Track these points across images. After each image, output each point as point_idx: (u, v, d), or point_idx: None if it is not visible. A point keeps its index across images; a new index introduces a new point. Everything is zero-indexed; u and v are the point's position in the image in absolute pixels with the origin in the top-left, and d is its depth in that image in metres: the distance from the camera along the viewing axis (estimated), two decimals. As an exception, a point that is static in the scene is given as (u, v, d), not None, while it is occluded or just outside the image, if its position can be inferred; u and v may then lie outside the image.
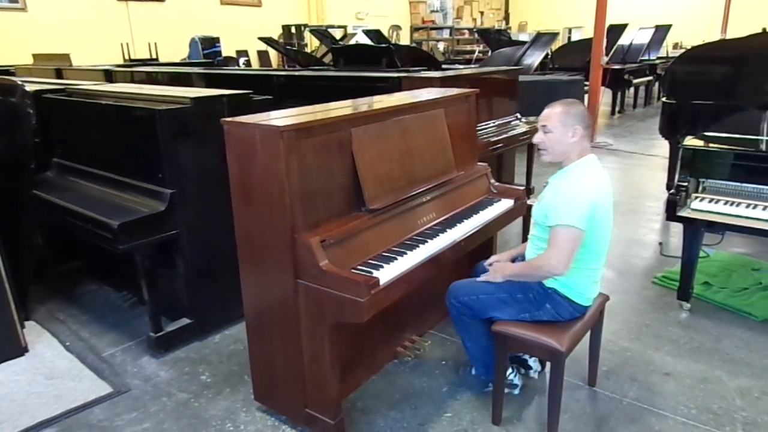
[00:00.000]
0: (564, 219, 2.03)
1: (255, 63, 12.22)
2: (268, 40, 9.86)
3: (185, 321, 3.02)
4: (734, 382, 2.56)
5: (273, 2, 12.48)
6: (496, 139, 4.39)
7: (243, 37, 11.68)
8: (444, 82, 3.81)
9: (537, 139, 2.19)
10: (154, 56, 9.83)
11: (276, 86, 4.56)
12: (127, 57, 9.55)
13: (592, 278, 2.21)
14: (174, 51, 10.24)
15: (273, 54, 12.34)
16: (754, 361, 2.70)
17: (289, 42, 11.87)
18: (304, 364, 2.18)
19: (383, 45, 5.85)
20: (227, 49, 11.16)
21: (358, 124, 2.24)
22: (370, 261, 2.14)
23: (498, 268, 2.29)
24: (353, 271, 2.05)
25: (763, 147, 3.08)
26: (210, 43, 10.80)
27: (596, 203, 2.07)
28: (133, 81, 5.57)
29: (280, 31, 12.13)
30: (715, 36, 12.35)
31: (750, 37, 4.60)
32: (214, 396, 2.56)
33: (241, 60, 11.82)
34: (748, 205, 2.78)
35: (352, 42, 10.14)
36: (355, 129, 2.22)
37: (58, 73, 6.25)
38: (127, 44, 9.66)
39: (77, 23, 9.12)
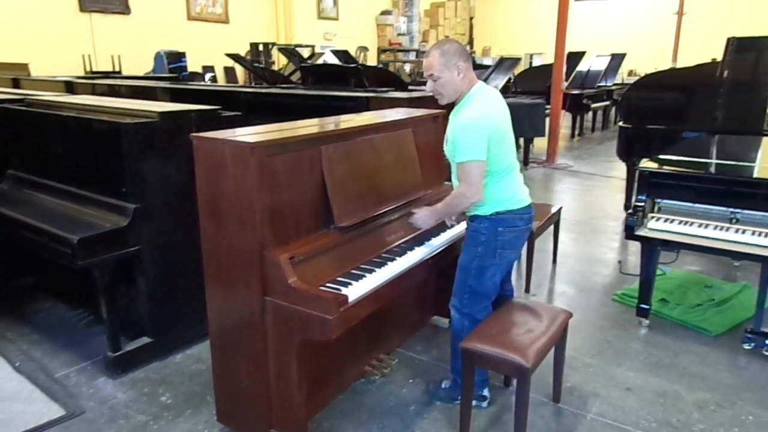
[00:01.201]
0: (466, 155, 2.18)
1: (221, 79, 12.13)
2: (235, 57, 9.82)
3: (145, 340, 2.93)
4: (691, 395, 2.64)
5: (241, 19, 12.46)
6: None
7: (210, 52, 11.59)
8: (412, 103, 3.86)
9: (429, 87, 2.31)
10: (117, 69, 9.66)
11: (243, 103, 4.54)
12: (88, 69, 9.35)
13: (515, 183, 2.37)
14: (138, 64, 10.08)
15: (240, 71, 12.28)
16: (709, 375, 2.80)
17: (256, 59, 11.84)
18: (270, 383, 2.15)
19: (352, 65, 5.91)
20: (193, 65, 11.05)
21: (328, 142, 2.26)
22: (339, 278, 2.14)
23: (419, 213, 2.44)
24: (322, 288, 2.04)
25: (712, 170, 3.22)
26: (176, 58, 10.68)
27: (491, 128, 2.21)
28: (94, 93, 5.46)
29: (248, 48, 12.09)
30: (666, 64, 12.92)
31: (699, 66, 4.84)
32: (174, 418, 2.49)
33: (207, 76, 11.72)
34: (700, 225, 2.90)
35: (320, 61, 10.19)
36: (325, 147, 2.23)
37: (15, 83, 6.07)
38: (89, 56, 9.47)
39: (37, 33, 8.89)
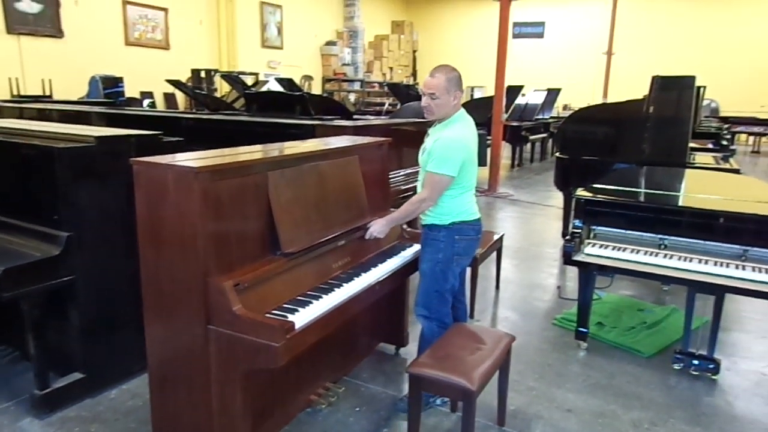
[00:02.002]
0: (441, 168, 2.45)
1: (161, 105, 11.88)
2: (176, 83, 9.64)
3: (77, 376, 2.76)
4: (627, 415, 2.73)
5: (182, 46, 12.31)
6: (405, 187, 4.52)
7: (148, 78, 11.36)
8: (357, 131, 3.91)
9: (425, 103, 2.55)
10: (47, 93, 9.29)
11: (185, 129, 4.46)
12: (15, 93, 8.95)
13: (472, 199, 2.69)
14: (71, 89, 9.74)
15: (180, 97, 12.07)
16: (644, 395, 2.91)
17: (198, 86, 11.68)
18: (212, 417, 2.08)
19: (297, 93, 5.93)
20: (131, 90, 10.78)
21: (275, 168, 2.25)
22: (285, 305, 2.12)
23: (374, 224, 2.65)
24: (268, 315, 2.01)
25: (642, 198, 3.41)
26: (112, 83, 10.38)
27: (467, 150, 2.53)
28: (22, 117, 5.22)
29: (189, 74, 11.93)
30: (597, 99, 13.67)
31: (628, 102, 5.15)
32: (109, 456, 2.36)
33: (146, 101, 11.44)
34: (632, 250, 3.05)
35: (264, 89, 10.17)
36: (272, 172, 2.22)
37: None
38: (17, 79, 9.08)
39: (-42, 55, 8.48)
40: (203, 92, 10.92)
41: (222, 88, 12.59)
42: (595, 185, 3.53)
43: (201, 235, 1.94)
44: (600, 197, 3.27)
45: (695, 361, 3.07)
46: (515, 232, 6.35)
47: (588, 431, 2.60)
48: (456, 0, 19.14)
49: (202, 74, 12.12)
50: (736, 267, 2.80)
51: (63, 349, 2.77)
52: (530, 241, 5.94)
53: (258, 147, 2.62)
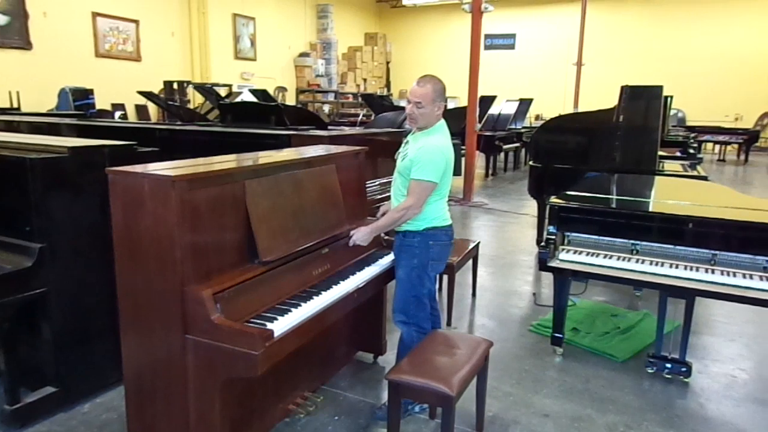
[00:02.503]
0: (425, 174, 2.51)
1: (132, 117, 11.75)
2: (148, 95, 9.55)
3: (49, 390, 2.70)
4: (602, 419, 2.78)
5: (154, 57, 12.21)
6: (381, 197, 4.54)
7: (120, 90, 11.24)
8: (333, 141, 3.92)
9: (409, 111, 2.60)
10: (15, 105, 9.10)
11: (159, 140, 4.41)
12: (-19, 106, 8.75)
13: (445, 206, 2.75)
14: (39, 101, 9.57)
15: (153, 109, 11.96)
16: (618, 398, 2.96)
17: (170, 98, 11.58)
18: (190, 427, 2.05)
19: (272, 103, 5.92)
20: (102, 102, 10.64)
21: (252, 177, 2.25)
22: (264, 313, 2.11)
23: (358, 231, 2.67)
24: (246, 323, 2.00)
25: (614, 205, 3.49)
26: (82, 95, 10.22)
27: (448, 157, 2.61)
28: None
29: (162, 86, 11.82)
30: (568, 109, 13.96)
31: (599, 111, 5.27)
32: (82, 473, 2.30)
33: (117, 113, 11.29)
34: (605, 256, 3.12)
35: (238, 100, 10.13)
36: (249, 181, 2.22)
37: None
38: (-17, 92, 8.90)
39: None
40: (176, 104, 10.83)
41: (195, 99, 12.50)
42: (568, 192, 3.60)
43: (178, 244, 1.93)
44: (574, 204, 3.34)
45: (668, 365, 3.14)
46: (490, 240, 6.41)
47: (565, 435, 2.63)
48: (428, 12, 19.40)
49: (175, 86, 12.03)
50: (706, 271, 2.88)
51: (34, 362, 2.70)
52: (505, 249, 6.01)
53: (234, 156, 2.61)
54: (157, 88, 11.38)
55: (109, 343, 2.87)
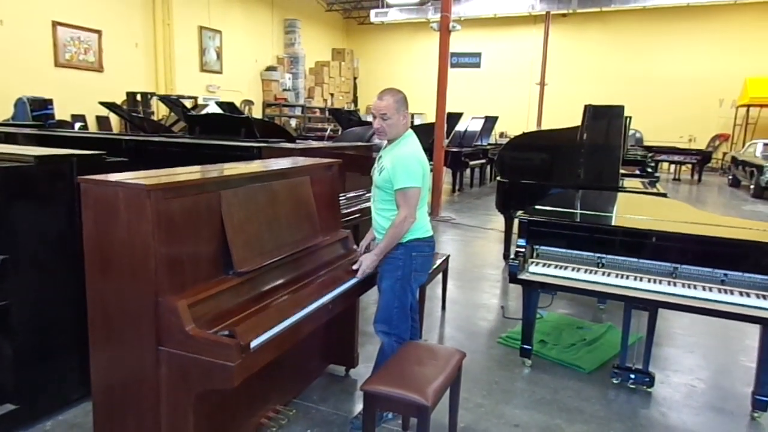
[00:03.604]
0: (408, 182, 2.57)
1: (93, 128, 11.48)
2: (110, 106, 9.35)
3: (8, 407, 2.58)
4: (571, 428, 2.83)
5: (117, 68, 11.99)
6: (351, 209, 4.56)
7: (80, 101, 10.98)
8: (304, 153, 3.93)
9: (377, 125, 2.64)
10: (-34, 115, 8.79)
11: (126, 151, 4.33)
12: (-71, 114, 8.42)
13: (425, 216, 2.78)
14: (-7, 111, 9.28)
15: (115, 120, 11.72)
16: (586, 408, 3.03)
17: (134, 109, 11.37)
18: (161, 442, 2.00)
19: (242, 115, 5.88)
20: (61, 113, 10.35)
21: (227, 187, 2.24)
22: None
23: (363, 261, 2.72)
24: (222, 335, 1.98)
25: (580, 219, 3.59)
26: (41, 105, 9.90)
27: (424, 164, 2.67)
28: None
29: (125, 97, 11.60)
30: (532, 127, 14.32)
31: (564, 129, 5.43)
32: (44, 493, 2.22)
33: (77, 125, 11.01)
34: (573, 269, 3.20)
35: (203, 113, 10.02)
36: (225, 192, 2.21)
37: None
38: (-68, 101, 8.56)
39: None
40: (140, 115, 10.64)
41: (159, 111, 12.31)
42: (537, 207, 3.68)
43: (153, 254, 1.90)
44: (543, 218, 3.42)
45: (632, 375, 3.23)
46: (458, 254, 6.48)
47: (536, 445, 2.67)
48: (395, 29, 19.68)
49: (138, 97, 11.83)
50: (668, 283, 2.99)
51: (-7, 379, 2.59)
52: (473, 263, 6.08)
53: (208, 166, 2.59)
54: (119, 99, 11.15)
55: (72, 359, 2.79)
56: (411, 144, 2.68)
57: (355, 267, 2.73)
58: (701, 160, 14.92)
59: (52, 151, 2.84)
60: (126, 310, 1.98)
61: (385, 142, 2.74)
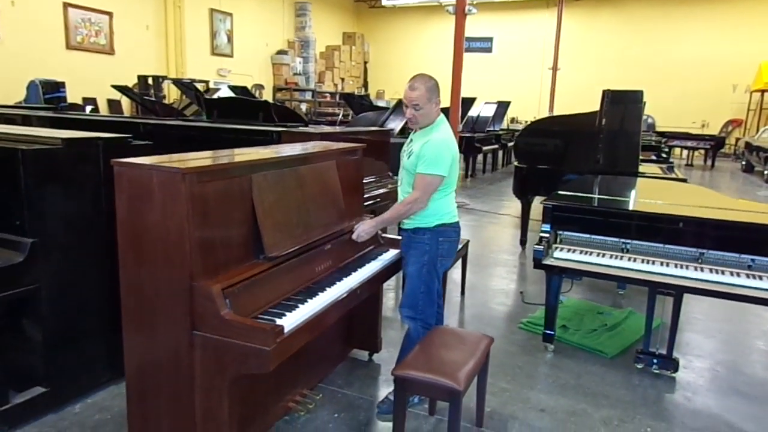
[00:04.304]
0: (432, 168, 2.53)
1: (104, 111, 11.48)
2: (123, 89, 9.34)
3: (38, 390, 2.60)
4: (597, 413, 2.83)
5: (128, 51, 11.94)
6: (368, 195, 4.54)
7: (91, 84, 10.97)
8: (324, 138, 3.91)
9: (409, 114, 2.61)
10: (-21, 98, 8.80)
11: (143, 135, 4.32)
12: (-58, 97, 8.44)
13: (453, 201, 2.77)
14: (6, 94, 9.27)
15: (126, 104, 11.70)
16: (611, 393, 3.02)
17: (145, 92, 11.34)
18: (196, 425, 2.02)
19: (260, 99, 5.85)
20: (72, 96, 10.34)
21: (258, 171, 2.23)
22: (271, 309, 2.09)
23: (361, 226, 2.68)
24: (255, 320, 1.98)
25: (605, 205, 3.55)
26: (53, 88, 9.92)
27: (455, 151, 2.65)
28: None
29: (136, 80, 11.57)
30: (543, 113, 14.18)
31: (583, 114, 5.37)
32: (78, 474, 2.24)
33: (88, 108, 11.00)
34: (598, 254, 3.18)
35: (215, 97, 9.99)
36: (256, 175, 2.20)
37: None
38: (-55, 83, 8.58)
39: None
40: (151, 99, 10.62)
41: (170, 95, 12.28)
42: (560, 192, 3.65)
43: (187, 238, 1.89)
44: (568, 203, 3.39)
45: (656, 360, 3.22)
46: (473, 240, 6.42)
47: (562, 429, 2.67)
48: (407, 13, 19.47)
49: (150, 81, 11.79)
50: (695, 269, 2.97)
51: (23, 362, 2.62)
52: (489, 248, 6.06)
53: (234, 151, 2.58)
54: (130, 82, 11.13)
55: (100, 342, 2.81)
56: (443, 130, 2.65)
57: (354, 234, 2.69)
58: (714, 145, 14.77)
59: (79, 133, 2.83)
60: (160, 294, 1.98)
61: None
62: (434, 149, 2.55)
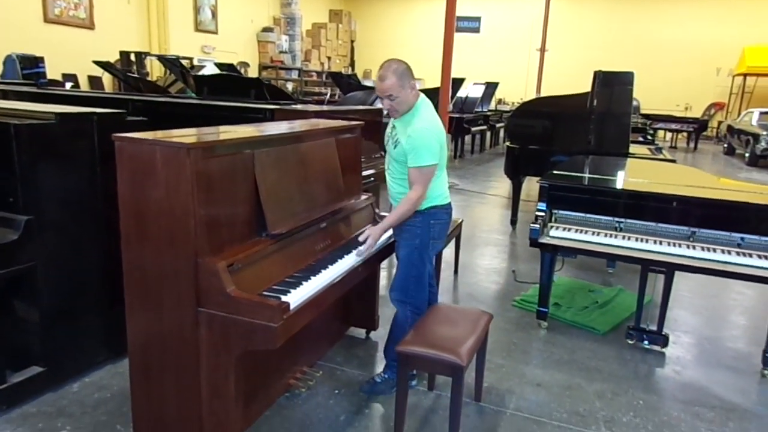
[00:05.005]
0: (424, 161, 2.45)
1: (85, 88, 11.21)
2: (105, 65, 9.14)
3: (36, 369, 2.58)
4: (591, 387, 2.89)
5: (108, 26, 11.62)
6: (365, 173, 4.53)
7: (71, 59, 10.68)
8: (318, 116, 3.88)
9: (386, 106, 2.52)
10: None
11: (133, 113, 4.23)
12: None
13: (445, 181, 2.70)
14: (-20, 68, 9.01)
15: (107, 80, 11.44)
16: (603, 368, 3.09)
17: (128, 69, 11.10)
18: (202, 402, 2.02)
19: (252, 77, 5.77)
20: (51, 72, 10.08)
21: (261, 147, 2.20)
22: (275, 286, 2.09)
23: (370, 234, 2.56)
24: (261, 296, 1.98)
25: (600, 184, 3.59)
26: (31, 63, 9.64)
27: (441, 133, 2.55)
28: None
29: (117, 56, 11.30)
30: (531, 95, 14.18)
31: (575, 95, 5.39)
32: (81, 451, 2.24)
33: (68, 84, 10.74)
34: (593, 233, 3.22)
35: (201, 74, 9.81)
36: (258, 152, 2.18)
37: None
38: None
39: None
40: (135, 76, 10.41)
41: (153, 72, 12.05)
42: (555, 172, 3.68)
43: (192, 215, 1.87)
44: (564, 183, 3.42)
45: (646, 336, 3.29)
46: (465, 220, 6.48)
47: (558, 403, 2.73)
48: (393, -9, 19.24)
49: (132, 57, 11.53)
50: (687, 247, 3.02)
51: (19, 341, 2.58)
52: (479, 228, 6.10)
53: (236, 127, 2.54)
54: (111, 58, 10.86)
55: (97, 321, 2.79)
56: (425, 115, 2.53)
57: (361, 239, 2.56)
58: (697, 128, 14.96)
59: (72, 108, 2.77)
60: (164, 271, 1.96)
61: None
62: (420, 141, 2.44)
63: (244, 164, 2.12)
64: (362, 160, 4.58)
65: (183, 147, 1.85)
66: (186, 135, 2.04)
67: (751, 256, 2.93)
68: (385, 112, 2.61)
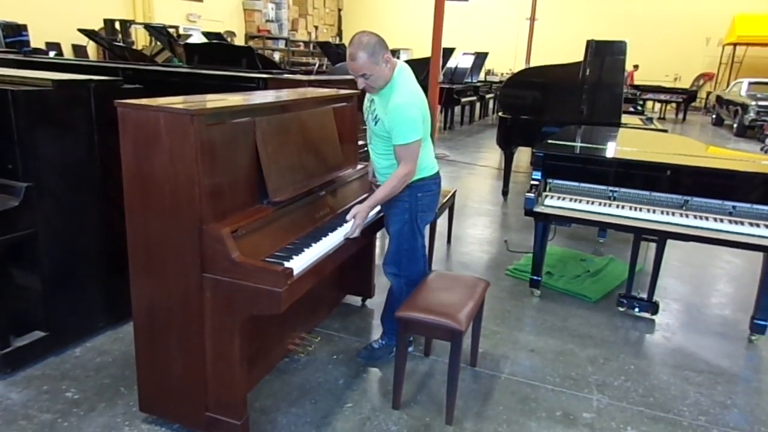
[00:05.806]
0: (408, 137, 2.35)
1: (69, 57, 10.96)
2: (90, 33, 8.94)
3: (38, 334, 2.62)
4: (584, 352, 2.98)
5: (91, -7, 11.34)
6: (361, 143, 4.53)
7: (54, 27, 10.43)
8: (311, 85, 3.85)
9: (362, 85, 2.40)
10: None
11: (125, 81, 4.17)
12: None
13: (431, 151, 2.65)
14: (-40, 37, 8.77)
15: (92, 49, 11.20)
16: (595, 334, 3.17)
17: (113, 38, 10.86)
18: (206, 365, 2.06)
19: (244, 45, 5.68)
20: (34, 40, 9.84)
21: (262, 115, 2.20)
22: (278, 253, 2.11)
23: (357, 212, 2.43)
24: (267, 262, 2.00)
25: (594, 153, 3.63)
26: (14, 31, 9.41)
27: (422, 104, 2.43)
28: None
29: (101, 24, 11.05)
30: (520, 65, 14.11)
31: (567, 64, 5.38)
32: (87, 413, 2.28)
33: (51, 53, 10.50)
34: (588, 202, 3.26)
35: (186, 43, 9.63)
36: (259, 119, 2.17)
37: None
38: None
39: None
40: (120, 44, 10.19)
41: (139, 41, 11.81)
42: (550, 141, 3.71)
43: (197, 181, 1.88)
44: (560, 152, 3.45)
45: (637, 304, 3.37)
46: (457, 191, 6.53)
47: (551, 367, 2.81)
48: (382, -41, 18.87)
49: (117, 25, 11.27)
50: (680, 215, 3.08)
51: (22, 306, 2.61)
52: (471, 199, 6.14)
53: (236, 95, 2.53)
54: (94, 26, 10.61)
55: (97, 287, 2.81)
56: (405, 87, 2.40)
57: (348, 218, 2.44)
58: (686, 99, 15.03)
59: (68, 75, 2.74)
60: (168, 237, 1.97)
61: None
62: (401, 117, 2.33)
63: (246, 132, 2.13)
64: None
65: (187, 113, 1.84)
66: (187, 102, 2.03)
67: (742, 223, 2.99)
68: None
